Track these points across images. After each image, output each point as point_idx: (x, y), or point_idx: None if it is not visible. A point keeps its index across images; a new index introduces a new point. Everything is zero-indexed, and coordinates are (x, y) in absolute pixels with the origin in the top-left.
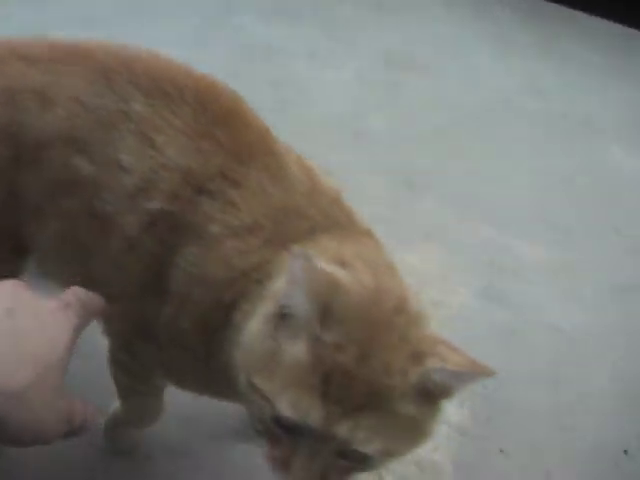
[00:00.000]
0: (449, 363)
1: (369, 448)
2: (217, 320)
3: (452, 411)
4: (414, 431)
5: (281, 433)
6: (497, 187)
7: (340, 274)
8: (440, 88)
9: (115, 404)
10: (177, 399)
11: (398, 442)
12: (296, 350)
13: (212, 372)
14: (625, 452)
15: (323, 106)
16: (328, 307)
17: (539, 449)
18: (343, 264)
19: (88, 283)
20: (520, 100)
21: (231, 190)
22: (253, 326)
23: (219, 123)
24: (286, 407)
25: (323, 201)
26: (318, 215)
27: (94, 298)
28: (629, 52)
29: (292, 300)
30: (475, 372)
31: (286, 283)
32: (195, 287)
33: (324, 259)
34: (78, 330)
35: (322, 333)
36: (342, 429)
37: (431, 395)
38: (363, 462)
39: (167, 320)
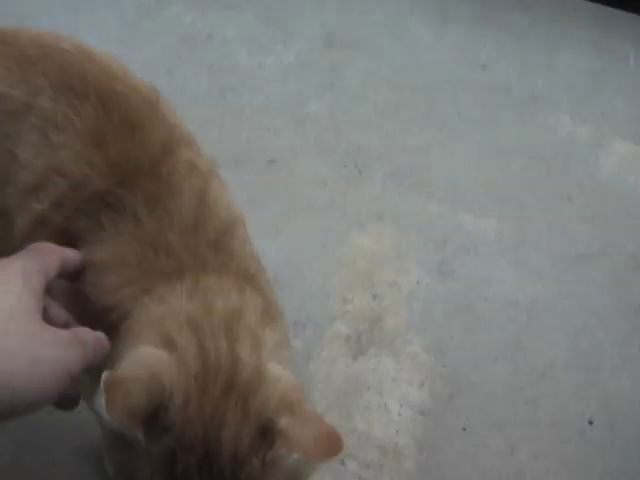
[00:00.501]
0: (296, 447)
1: None
2: None
3: (413, 392)
4: None
5: None
6: (446, 163)
7: (160, 369)
8: (381, 67)
9: None
10: None
11: None
12: (142, 473)
13: None
14: (590, 423)
15: (264, 92)
16: (152, 417)
17: (502, 425)
18: (170, 344)
19: None
20: (464, 75)
21: (104, 216)
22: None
23: (117, 134)
24: None
25: (203, 239)
26: (189, 256)
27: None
28: (573, 21)
29: (115, 425)
30: (320, 457)
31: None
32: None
33: (150, 342)
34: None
35: (153, 448)
36: None
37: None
38: None
39: None
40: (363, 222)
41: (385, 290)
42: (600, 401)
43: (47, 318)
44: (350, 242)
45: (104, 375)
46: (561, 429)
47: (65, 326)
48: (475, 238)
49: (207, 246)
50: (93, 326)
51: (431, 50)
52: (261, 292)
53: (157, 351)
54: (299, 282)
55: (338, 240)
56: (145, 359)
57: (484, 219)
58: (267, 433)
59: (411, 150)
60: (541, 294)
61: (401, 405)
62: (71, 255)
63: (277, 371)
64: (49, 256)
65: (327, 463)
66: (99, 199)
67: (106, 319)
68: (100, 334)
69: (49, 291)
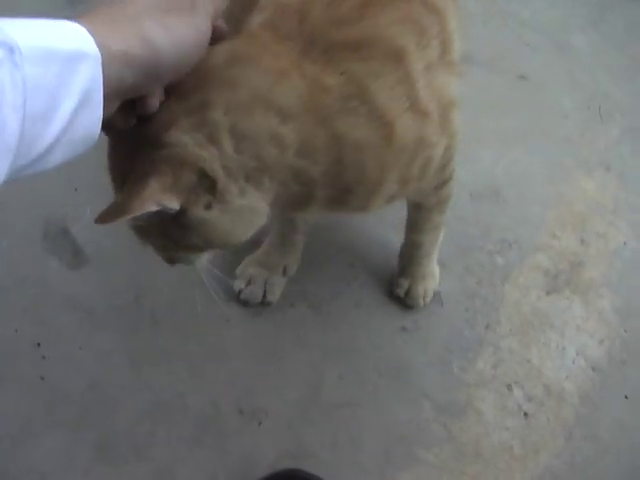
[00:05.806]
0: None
1: None
2: None
3: (591, 346)
4: None
5: None
6: None
7: None
8: None
9: None
10: None
11: None
12: None
13: None
14: None
15: (530, 8)
16: None
17: None
18: None
19: None
20: None
21: None
22: None
23: None
24: None
25: None
26: None
27: None
28: None
29: None
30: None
31: None
32: None
33: None
34: None
35: None
36: None
37: None
38: None
39: None
40: (591, 167)
41: (593, 239)
42: None
43: None
44: (574, 182)
45: None
46: None
47: None
48: None
49: None
50: None
51: None
52: None
53: None
54: (517, 202)
55: (563, 176)
56: None
57: None
58: None
59: None
60: None
61: (577, 354)
62: None
63: None
64: None
65: None
66: None
67: None
68: None
69: None
